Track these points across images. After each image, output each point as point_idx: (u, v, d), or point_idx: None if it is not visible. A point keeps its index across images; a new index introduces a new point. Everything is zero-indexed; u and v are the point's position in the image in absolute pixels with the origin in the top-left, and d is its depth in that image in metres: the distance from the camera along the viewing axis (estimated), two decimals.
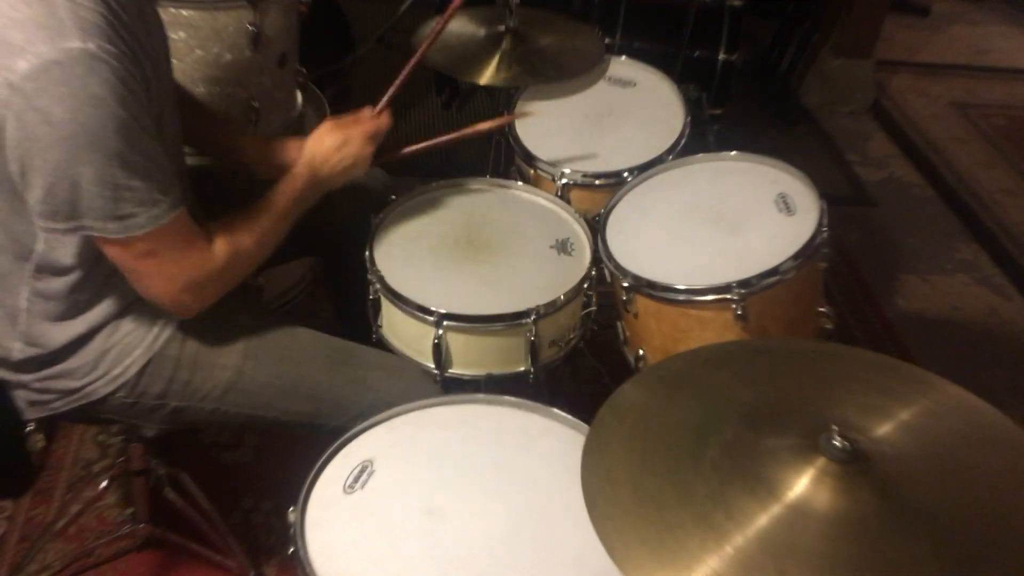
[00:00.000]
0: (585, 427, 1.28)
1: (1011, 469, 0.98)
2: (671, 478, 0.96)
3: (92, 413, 1.38)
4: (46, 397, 1.35)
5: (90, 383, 1.34)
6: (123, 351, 1.33)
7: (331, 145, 1.45)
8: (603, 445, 1.02)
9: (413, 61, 1.61)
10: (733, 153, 1.73)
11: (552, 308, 1.52)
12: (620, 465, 0.98)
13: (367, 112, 1.53)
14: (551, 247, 1.65)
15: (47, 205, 1.13)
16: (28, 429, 1.41)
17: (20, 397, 1.37)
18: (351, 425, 1.30)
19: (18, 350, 1.30)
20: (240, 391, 1.39)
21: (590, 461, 1.00)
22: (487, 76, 1.88)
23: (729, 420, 1.02)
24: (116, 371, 1.34)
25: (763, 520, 0.90)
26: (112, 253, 1.20)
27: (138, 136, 1.12)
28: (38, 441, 1.43)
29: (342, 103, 2.98)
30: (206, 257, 1.26)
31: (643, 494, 0.94)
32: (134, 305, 1.33)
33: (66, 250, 1.22)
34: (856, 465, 0.93)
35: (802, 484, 0.92)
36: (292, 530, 1.14)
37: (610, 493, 0.95)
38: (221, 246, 1.28)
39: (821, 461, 0.93)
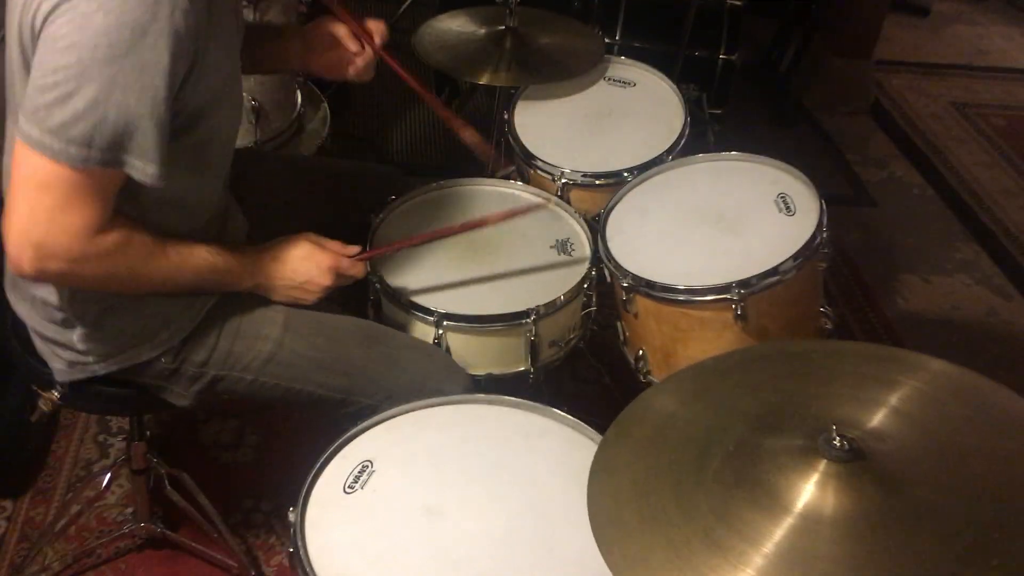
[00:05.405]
0: (585, 427, 1.28)
1: (1016, 448, 0.96)
2: (675, 494, 0.95)
3: (127, 379, 1.38)
4: (88, 359, 1.34)
5: (135, 345, 1.34)
6: (169, 316, 1.34)
7: (296, 261, 1.39)
8: (609, 466, 1.02)
9: (415, 241, 1.59)
10: (733, 153, 1.73)
11: (552, 308, 1.52)
12: (625, 488, 0.98)
13: (351, 249, 1.46)
14: (551, 247, 1.65)
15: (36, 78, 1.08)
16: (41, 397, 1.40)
17: (61, 357, 1.35)
18: (383, 407, 1.32)
19: (66, 297, 1.29)
20: (279, 363, 1.40)
21: (596, 486, 1.00)
22: (487, 76, 1.88)
23: (730, 430, 1.01)
24: (163, 335, 1.35)
25: (771, 531, 0.89)
26: (16, 154, 1.13)
27: (151, 75, 1.09)
28: (47, 403, 1.39)
29: (342, 103, 2.99)
30: (84, 234, 1.15)
31: (647, 513, 0.93)
32: None
33: None
34: (857, 463, 0.92)
35: (808, 490, 0.91)
36: (292, 530, 1.14)
37: (615, 515, 0.95)
38: (111, 240, 1.18)
39: (823, 464, 0.92)
